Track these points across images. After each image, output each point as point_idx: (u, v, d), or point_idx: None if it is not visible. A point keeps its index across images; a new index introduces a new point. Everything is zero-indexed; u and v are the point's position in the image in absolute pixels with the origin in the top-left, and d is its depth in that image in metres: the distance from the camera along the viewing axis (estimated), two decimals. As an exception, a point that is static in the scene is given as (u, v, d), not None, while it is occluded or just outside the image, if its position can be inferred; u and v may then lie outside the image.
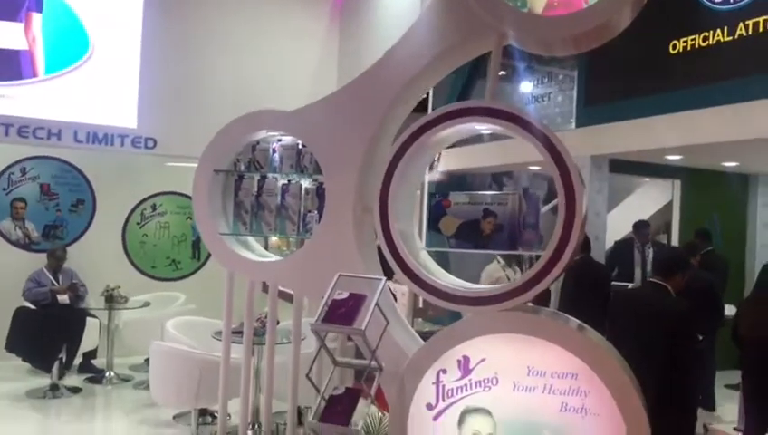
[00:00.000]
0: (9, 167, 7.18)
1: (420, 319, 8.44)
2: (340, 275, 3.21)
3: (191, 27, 6.36)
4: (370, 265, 3.55)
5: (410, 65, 3.44)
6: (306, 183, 3.70)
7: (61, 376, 6.39)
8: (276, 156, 3.72)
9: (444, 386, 3.17)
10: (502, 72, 10.08)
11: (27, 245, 7.30)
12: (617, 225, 8.35)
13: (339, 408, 3.04)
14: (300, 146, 3.68)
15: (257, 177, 3.75)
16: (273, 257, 3.88)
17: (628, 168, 7.96)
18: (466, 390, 3.13)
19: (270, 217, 3.70)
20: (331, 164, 3.54)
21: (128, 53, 6.04)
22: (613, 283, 7.25)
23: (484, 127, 3.35)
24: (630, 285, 6.90)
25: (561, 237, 3.01)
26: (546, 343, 3.00)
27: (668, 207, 8.83)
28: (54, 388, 6.20)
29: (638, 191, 9.88)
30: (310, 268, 3.56)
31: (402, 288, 8.55)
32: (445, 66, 3.53)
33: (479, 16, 3.24)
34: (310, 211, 3.65)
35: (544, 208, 3.40)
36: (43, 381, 6.29)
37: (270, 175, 3.72)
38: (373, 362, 3.10)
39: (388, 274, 3.44)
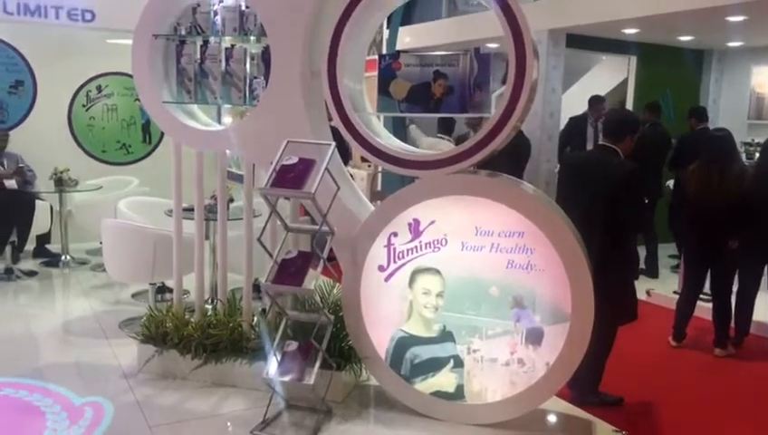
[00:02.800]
0: (-63, 46, 6.75)
1: (378, 202, 8.51)
2: (288, 142, 3.16)
3: None
4: (320, 133, 3.50)
5: None
6: (251, 48, 3.55)
7: (15, 260, 6.32)
8: (218, 19, 3.53)
9: (395, 248, 3.24)
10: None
11: (-35, 129, 6.99)
12: (574, 103, 8.35)
13: (292, 270, 3.09)
14: (243, 7, 3.48)
15: (199, 42, 3.58)
16: (219, 127, 3.78)
17: (584, 43, 7.86)
18: (417, 251, 3.21)
19: (215, 85, 3.57)
20: (277, 25, 3.38)
21: None
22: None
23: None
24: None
25: (508, 103, 2.99)
26: (493, 204, 3.05)
27: (624, 84, 8.83)
28: (9, 271, 6.14)
29: (594, 69, 9.83)
30: (257, 135, 3.48)
31: (360, 172, 8.57)
32: None
33: None
34: (256, 77, 3.52)
35: (500, 90, 3.33)
36: (-2, 266, 6.25)
37: (212, 39, 3.55)
38: (324, 227, 3.12)
39: (345, 159, 3.39)
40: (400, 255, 3.23)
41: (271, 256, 3.17)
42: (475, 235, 3.10)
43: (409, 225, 3.21)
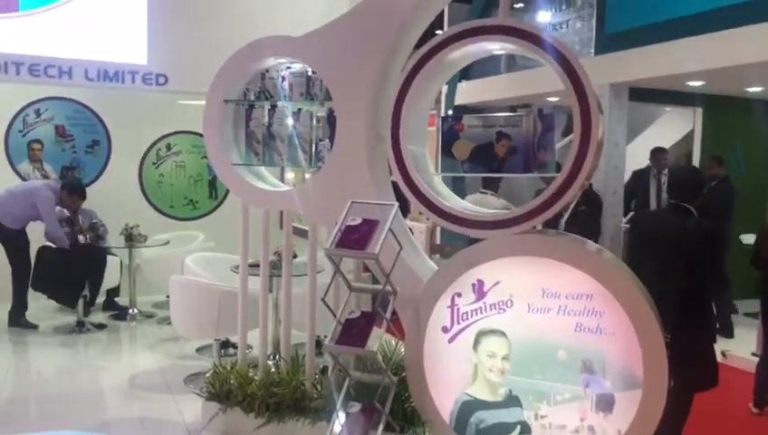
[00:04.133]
0: (24, 108, 7.18)
1: (437, 255, 8.46)
2: (352, 202, 3.20)
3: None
4: (384, 194, 3.54)
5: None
6: (317, 111, 3.65)
7: (86, 313, 6.54)
8: (286, 84, 3.66)
9: (459, 309, 3.20)
10: (519, 5, 9.82)
11: (46, 186, 7.37)
12: (637, 156, 8.20)
13: (355, 331, 3.08)
14: (309, 73, 3.61)
15: (267, 106, 3.71)
16: (285, 187, 3.87)
17: (648, 96, 7.76)
18: (481, 312, 3.16)
19: (282, 147, 3.68)
20: (342, 90, 3.48)
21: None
22: (631, 213, 7.18)
23: (496, 46, 3.26)
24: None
25: (575, 161, 2.96)
26: (560, 265, 2.99)
27: (689, 136, 8.64)
28: (80, 324, 6.36)
29: (658, 121, 9.66)
30: (323, 196, 3.55)
31: (419, 225, 8.57)
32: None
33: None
34: (321, 140, 3.61)
35: (562, 141, 3.33)
36: (70, 318, 6.45)
37: (280, 103, 3.68)
38: (387, 287, 3.12)
39: (404, 210, 3.42)
40: (464, 316, 3.18)
41: (334, 315, 3.18)
42: (542, 296, 3.04)
43: (473, 285, 3.17)
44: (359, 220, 3.12)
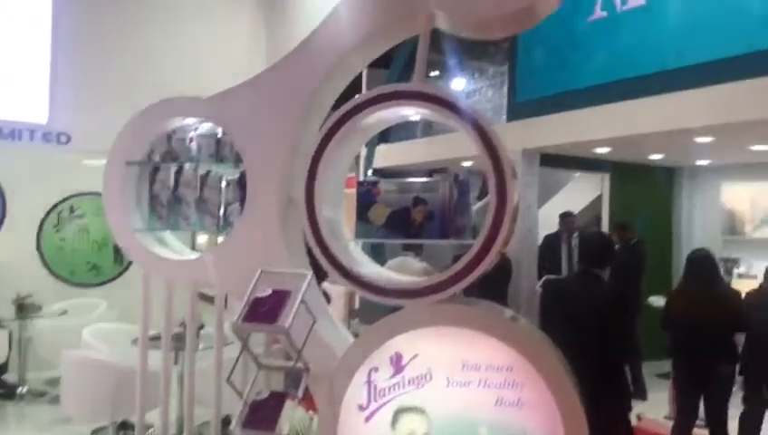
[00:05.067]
0: None
1: (357, 320, 8.26)
2: (262, 271, 3.00)
3: (105, 16, 6.00)
4: (297, 261, 3.36)
5: (335, 48, 3.26)
6: (228, 174, 3.47)
7: (-32, 393, 5.94)
8: (194, 145, 3.47)
9: (376, 385, 3.01)
10: (434, 73, 10.08)
11: (-72, 251, 6.75)
12: (549, 219, 8.42)
13: (263, 413, 2.84)
14: (219, 134, 3.44)
15: (174, 168, 3.50)
16: (192, 255, 3.63)
17: (558, 162, 8.03)
18: (399, 388, 2.98)
19: (188, 211, 3.45)
20: (253, 152, 3.32)
21: (36, 43, 5.63)
22: (545, 277, 7.28)
23: (411, 112, 3.21)
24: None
25: (491, 226, 2.90)
26: (479, 335, 2.87)
27: (598, 200, 8.96)
28: (-40, 406, 5.75)
29: (569, 185, 10.02)
30: (231, 264, 3.33)
31: (338, 289, 8.36)
32: (371, 49, 3.37)
33: (407, -2, 3.10)
34: (231, 204, 3.42)
35: (477, 205, 3.29)
36: (-53, 397, 5.83)
37: (187, 165, 3.47)
38: (299, 363, 2.90)
39: (321, 274, 3.28)
40: (382, 392, 3.00)
41: (240, 396, 2.93)
42: (462, 369, 2.91)
43: (391, 359, 3.00)
44: (268, 291, 2.92)
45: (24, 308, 6.28)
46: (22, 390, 6.23)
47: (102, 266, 7.72)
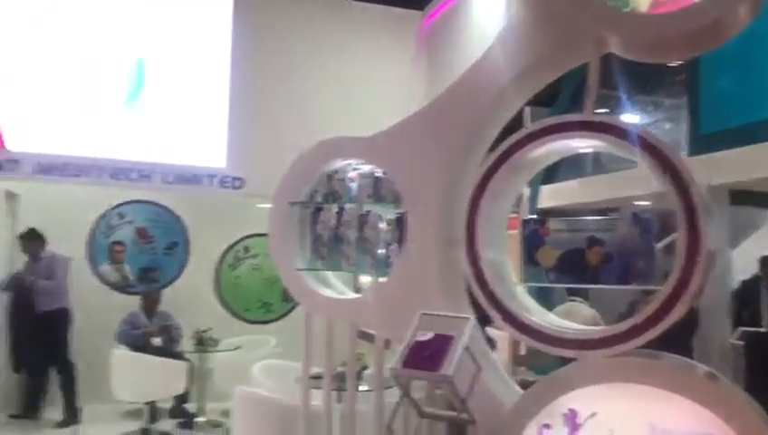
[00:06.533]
0: (108, 211, 7.39)
1: (523, 367, 7.83)
2: (422, 314, 2.86)
3: (279, 64, 6.35)
4: (458, 305, 3.18)
5: (495, 82, 3.09)
6: (386, 214, 3.40)
7: (153, 420, 6.34)
8: (354, 185, 3.45)
9: (547, 444, 2.72)
10: (604, 110, 9.54)
11: (124, 287, 7.41)
12: (743, 262, 7.49)
13: (424, 466, 2.65)
14: (378, 174, 3.39)
15: (335, 208, 3.50)
16: (352, 295, 3.59)
17: (751, 199, 7.16)
18: (575, 449, 2.67)
19: (349, 251, 3.42)
20: (412, 192, 3.23)
21: (216, 93, 6.06)
22: (742, 328, 6.43)
23: (582, 144, 2.94)
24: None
25: (683, 270, 2.54)
26: (671, 395, 2.50)
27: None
28: (145, 432, 6.15)
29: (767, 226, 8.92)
30: (390, 306, 3.23)
31: (502, 334, 8.02)
32: (535, 80, 3.15)
33: (572, 22, 2.87)
34: (390, 244, 3.33)
35: (657, 245, 2.92)
36: (135, 425, 6.26)
37: (348, 205, 3.46)
38: (464, 414, 2.70)
39: (485, 318, 3.09)
40: (554, 453, 2.70)
41: (401, 446, 2.77)
42: (650, 434, 2.53)
43: (565, 416, 2.70)
44: (430, 335, 2.76)
45: (202, 342, 6.66)
46: (200, 420, 6.57)
47: (273, 304, 8.04)
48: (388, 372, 3.53)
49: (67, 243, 7.13)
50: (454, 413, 2.79)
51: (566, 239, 2.84)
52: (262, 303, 8.07)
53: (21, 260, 6.82)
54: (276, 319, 8.04)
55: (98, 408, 6.54)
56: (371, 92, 6.52)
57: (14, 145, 5.48)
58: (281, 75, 6.30)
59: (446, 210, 3.15)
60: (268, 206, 7.20)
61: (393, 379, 2.75)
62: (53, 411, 6.59)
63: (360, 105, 6.29)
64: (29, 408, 6.54)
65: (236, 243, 7.95)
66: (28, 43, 5.57)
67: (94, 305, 7.08)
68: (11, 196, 6.67)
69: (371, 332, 3.80)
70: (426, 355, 2.72)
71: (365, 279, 6.34)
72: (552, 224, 2.88)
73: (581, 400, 2.68)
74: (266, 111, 6.23)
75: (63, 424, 6.42)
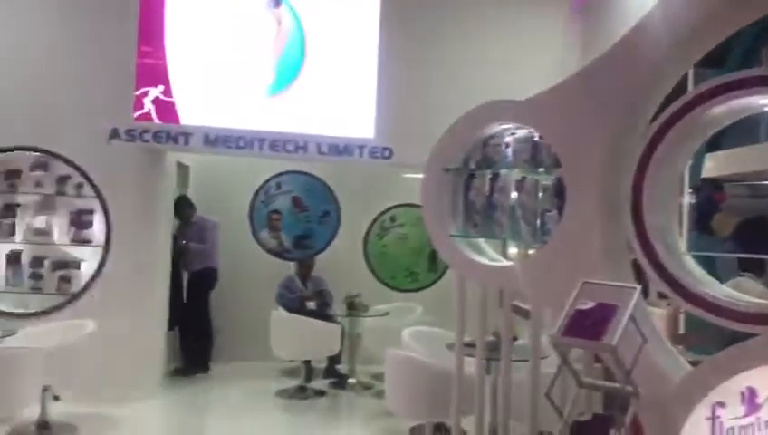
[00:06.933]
0: (267, 181, 7.85)
1: (681, 347, 7.39)
2: (584, 283, 2.77)
3: (426, 33, 6.31)
4: (621, 274, 3.04)
5: (662, 40, 2.87)
6: (543, 179, 3.31)
7: (308, 379, 6.71)
8: (509, 151, 3.39)
9: (722, 424, 2.55)
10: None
11: (280, 253, 7.88)
12: None
13: (585, 437, 2.59)
14: (536, 138, 3.30)
15: (489, 174, 3.46)
16: (506, 262, 3.54)
17: None
18: (755, 431, 2.48)
19: (503, 219, 3.38)
20: (572, 156, 3.11)
21: (365, 64, 6.17)
22: None
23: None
24: None
25: None
26: None
27: None
28: (302, 389, 6.52)
29: None
30: (548, 274, 3.16)
31: (658, 311, 7.58)
32: (704, 40, 2.87)
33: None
34: (548, 210, 3.24)
35: None
36: (293, 382, 6.66)
37: (502, 172, 3.40)
38: (627, 386, 2.60)
39: (644, 290, 2.94)
40: (730, 432, 2.53)
41: (560, 415, 2.73)
42: (843, 418, 2.30)
43: (742, 394, 2.52)
44: (592, 304, 2.67)
45: (354, 306, 6.92)
46: (352, 381, 6.86)
47: (419, 273, 8.16)
48: (543, 342, 3.49)
49: (231, 211, 7.69)
50: (616, 385, 2.70)
51: (746, 206, 2.63)
52: (408, 272, 8.21)
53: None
54: (422, 288, 8.15)
55: (260, 365, 7.04)
56: (522, 58, 6.32)
57: (186, 119, 5.92)
58: (428, 44, 6.27)
59: (608, 176, 3.01)
60: (415, 176, 7.35)
61: (552, 346, 2.70)
62: (213, 366, 7.17)
63: (511, 72, 6.12)
64: (187, 363, 7.15)
65: (383, 213, 8.13)
66: (197, 23, 5.98)
67: (257, 269, 7.61)
68: (182, 167, 7.27)
69: (525, 307, 3.76)
70: (587, 324, 2.64)
71: (512, 250, 6.28)
72: (731, 189, 2.66)
73: (761, 378, 2.48)
74: (414, 80, 6.24)
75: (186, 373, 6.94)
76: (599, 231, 3.02)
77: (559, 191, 3.20)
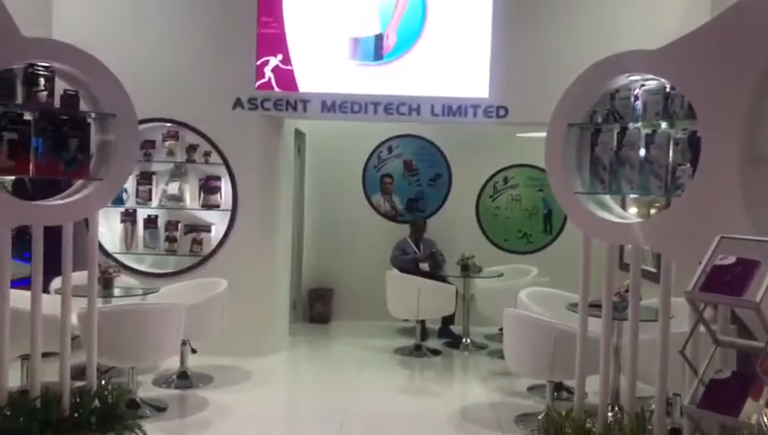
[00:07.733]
0: (379, 146, 7.98)
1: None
2: (722, 238, 2.67)
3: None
4: (762, 229, 2.89)
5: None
6: (675, 132, 3.18)
7: (423, 338, 6.85)
8: (639, 103, 3.27)
9: None
10: None
11: (393, 216, 8.03)
12: None
13: (724, 395, 2.53)
14: (668, 89, 3.16)
15: (617, 129, 3.36)
16: (635, 218, 3.45)
17: None
18: None
19: (632, 174, 3.28)
20: (709, 106, 2.96)
21: (478, 24, 6.08)
22: None
23: None
24: None
25: None
26: None
27: None
28: (417, 348, 6.67)
29: None
30: (681, 230, 3.05)
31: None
32: None
33: None
34: (681, 165, 3.12)
35: None
36: (409, 341, 6.83)
37: (631, 126, 3.30)
38: (771, 345, 2.49)
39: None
40: None
41: (696, 372, 2.67)
42: None
43: None
44: (732, 259, 2.57)
45: (467, 268, 6.96)
46: (466, 341, 6.95)
47: (532, 235, 8.07)
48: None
49: (345, 176, 7.92)
50: (758, 343, 2.60)
51: None
52: (522, 233, 8.14)
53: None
54: (536, 250, 8.06)
55: (377, 324, 7.29)
56: (642, 10, 6.01)
57: (304, 87, 6.10)
58: (540, 2, 6.12)
59: (749, 125, 2.85)
60: (529, 135, 7.22)
61: (689, 302, 2.63)
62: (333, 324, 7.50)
63: (631, 24, 5.85)
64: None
65: (496, 174, 8.07)
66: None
67: (371, 232, 7.83)
68: (299, 134, 7.52)
69: (651, 270, 3.64)
70: (726, 280, 2.55)
71: (633, 209, 6.07)
72: None
73: None
74: (528, 38, 6.09)
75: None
76: (738, 184, 2.88)
77: (693, 144, 3.07)
